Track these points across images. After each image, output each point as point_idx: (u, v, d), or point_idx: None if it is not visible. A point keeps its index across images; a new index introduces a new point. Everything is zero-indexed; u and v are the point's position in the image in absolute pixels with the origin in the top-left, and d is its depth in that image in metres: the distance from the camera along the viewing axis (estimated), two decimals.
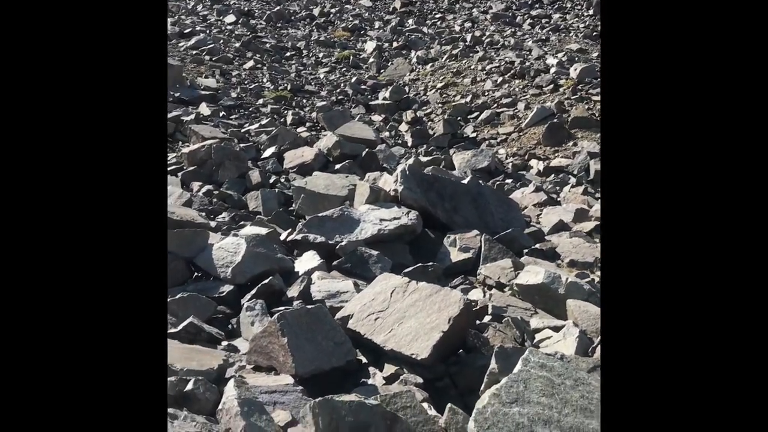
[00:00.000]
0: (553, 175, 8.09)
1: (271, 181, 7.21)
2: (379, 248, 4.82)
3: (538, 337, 3.45)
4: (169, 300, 3.63)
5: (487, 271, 4.58)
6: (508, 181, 7.67)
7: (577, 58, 12.21)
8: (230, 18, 16.19)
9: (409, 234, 5.00)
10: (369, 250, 4.71)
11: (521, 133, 9.53)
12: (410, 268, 4.64)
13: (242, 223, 5.76)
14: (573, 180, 7.79)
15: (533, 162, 8.50)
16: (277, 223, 5.65)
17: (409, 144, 9.61)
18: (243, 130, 8.97)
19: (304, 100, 11.36)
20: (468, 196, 5.61)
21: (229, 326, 3.83)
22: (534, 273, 3.96)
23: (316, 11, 18.13)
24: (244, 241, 4.21)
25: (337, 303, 3.80)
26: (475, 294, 4.34)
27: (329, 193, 5.77)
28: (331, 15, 18.16)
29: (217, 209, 6.18)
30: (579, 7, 19.58)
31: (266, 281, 3.97)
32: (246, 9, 17.53)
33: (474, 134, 9.82)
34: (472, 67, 12.46)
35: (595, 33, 16.28)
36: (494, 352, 2.89)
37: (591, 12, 18.96)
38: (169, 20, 14.36)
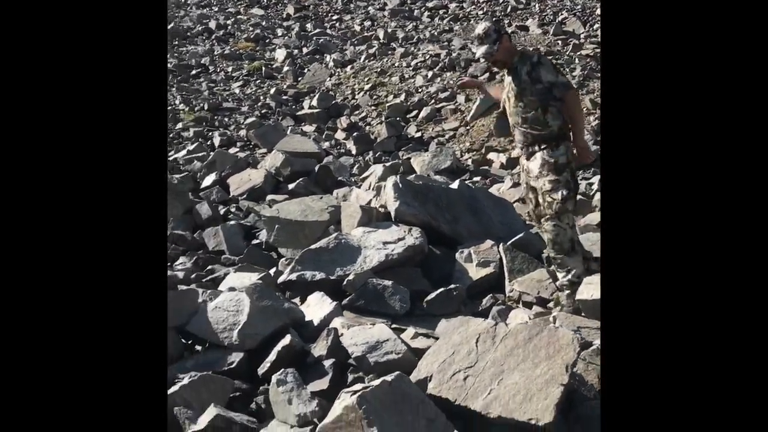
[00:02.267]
0: (518, 166, 7.65)
1: (221, 212, 6.34)
2: (390, 276, 4.14)
3: None
4: (177, 387, 2.81)
5: (521, 287, 4.00)
6: (476, 178, 7.15)
7: None
8: None
9: (419, 254, 4.34)
10: (381, 281, 4.02)
11: (468, 127, 9.07)
12: (432, 295, 4.00)
13: (210, 267, 4.91)
14: None
15: (492, 155, 8.04)
16: (253, 263, 4.85)
17: (354, 152, 8.93)
18: (170, 159, 8.00)
19: (226, 119, 10.44)
20: (463, 203, 5.03)
21: (252, 406, 3.05)
22: (597, 285, 3.41)
23: (212, 24, 17.04)
24: (246, 295, 3.41)
25: (383, 357, 3.10)
26: (520, 315, 3.76)
27: (308, 220, 5.00)
28: (229, 27, 17.13)
29: (172, 254, 5.27)
30: None
31: (285, 342, 3.20)
32: None
33: (419, 134, 9.27)
34: (396, 65, 11.91)
35: (495, 18, 16.18)
36: None
37: None
38: None
